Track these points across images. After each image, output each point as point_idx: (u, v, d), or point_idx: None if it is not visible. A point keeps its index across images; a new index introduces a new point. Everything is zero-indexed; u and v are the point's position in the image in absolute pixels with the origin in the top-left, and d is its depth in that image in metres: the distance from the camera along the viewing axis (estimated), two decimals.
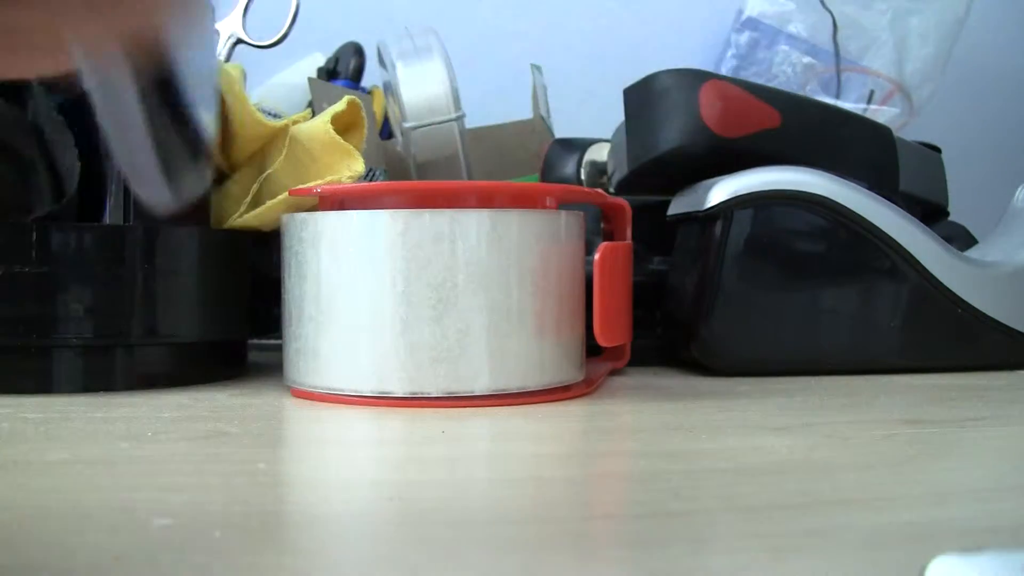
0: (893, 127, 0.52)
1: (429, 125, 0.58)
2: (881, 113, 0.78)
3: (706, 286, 0.44)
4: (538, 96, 0.71)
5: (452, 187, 0.40)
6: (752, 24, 0.82)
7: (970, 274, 0.46)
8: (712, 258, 0.44)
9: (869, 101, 0.79)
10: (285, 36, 0.58)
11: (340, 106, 0.41)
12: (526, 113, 0.71)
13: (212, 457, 0.27)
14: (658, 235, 0.49)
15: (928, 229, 0.46)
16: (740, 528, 0.20)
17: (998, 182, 0.60)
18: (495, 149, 0.69)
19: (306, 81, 0.63)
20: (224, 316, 0.42)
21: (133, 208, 0.40)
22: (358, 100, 0.42)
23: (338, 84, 0.70)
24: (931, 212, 0.52)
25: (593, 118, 0.65)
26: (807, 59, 0.80)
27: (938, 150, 0.54)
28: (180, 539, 0.19)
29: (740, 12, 0.83)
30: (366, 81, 0.74)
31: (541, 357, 0.36)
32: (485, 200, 0.36)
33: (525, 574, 0.17)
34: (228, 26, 0.59)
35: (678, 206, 0.48)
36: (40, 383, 0.37)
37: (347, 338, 0.35)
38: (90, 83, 0.12)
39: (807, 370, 0.45)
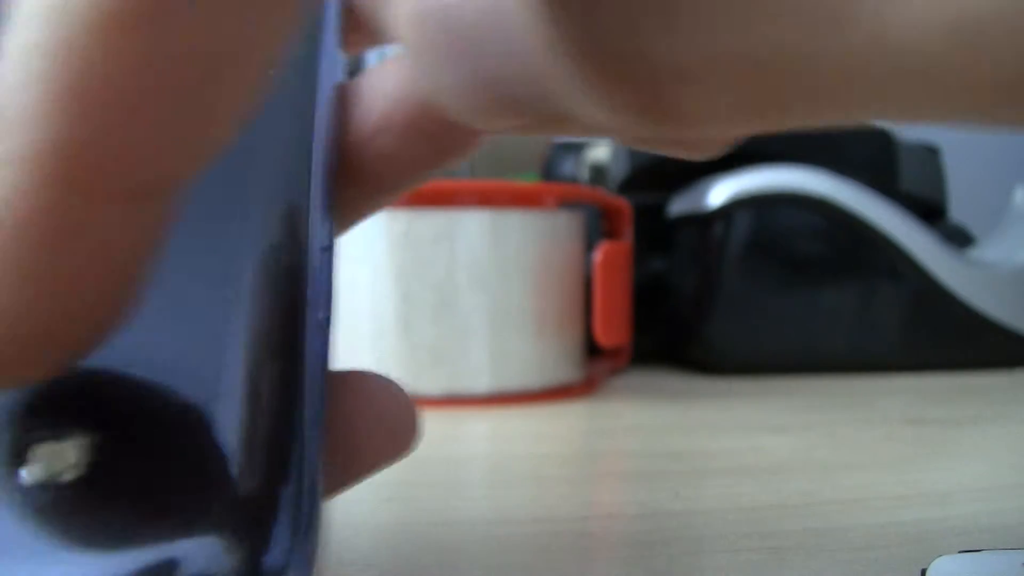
0: (892, 127, 0.52)
1: None
2: None
3: (707, 287, 0.44)
4: None
5: (452, 187, 0.40)
6: None
7: (970, 274, 0.46)
8: (713, 259, 0.44)
9: None
10: None
11: None
12: None
13: None
14: (658, 235, 0.49)
15: (927, 229, 0.46)
16: (740, 528, 0.20)
17: (997, 182, 0.60)
18: (495, 149, 0.69)
19: None
20: None
21: None
22: None
23: None
24: (930, 212, 0.52)
25: None
26: None
27: (937, 150, 0.54)
28: None
29: None
30: None
31: (541, 357, 0.36)
32: (485, 200, 0.36)
33: (525, 574, 0.17)
34: None
35: (678, 206, 0.48)
36: None
37: (348, 338, 0.35)
38: None
39: (807, 370, 0.45)
